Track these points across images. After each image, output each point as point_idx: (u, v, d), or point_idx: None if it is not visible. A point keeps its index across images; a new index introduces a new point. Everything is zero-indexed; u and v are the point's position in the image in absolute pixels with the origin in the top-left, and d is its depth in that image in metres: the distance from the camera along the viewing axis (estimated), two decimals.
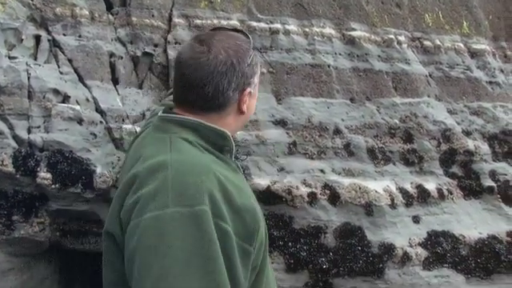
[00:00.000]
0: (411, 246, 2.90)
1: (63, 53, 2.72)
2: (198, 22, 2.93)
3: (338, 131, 2.97)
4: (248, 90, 1.48)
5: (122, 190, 1.37)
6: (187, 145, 1.40)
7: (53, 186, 2.53)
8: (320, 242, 2.81)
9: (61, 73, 2.67)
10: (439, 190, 3.04)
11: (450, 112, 3.26)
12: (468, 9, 3.54)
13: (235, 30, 1.60)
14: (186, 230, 1.25)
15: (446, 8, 3.47)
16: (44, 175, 2.51)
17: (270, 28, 3.02)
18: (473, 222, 3.08)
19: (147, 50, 2.88)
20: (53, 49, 2.73)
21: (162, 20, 2.92)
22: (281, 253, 2.78)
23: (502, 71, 3.53)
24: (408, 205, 2.96)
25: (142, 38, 2.87)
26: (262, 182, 2.75)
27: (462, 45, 3.44)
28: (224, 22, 2.92)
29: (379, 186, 2.92)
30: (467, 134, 3.23)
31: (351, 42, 3.14)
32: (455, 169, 3.15)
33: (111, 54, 2.82)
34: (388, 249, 2.86)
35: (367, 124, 3.03)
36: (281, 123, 2.90)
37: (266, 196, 2.72)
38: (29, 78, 2.57)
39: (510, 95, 3.47)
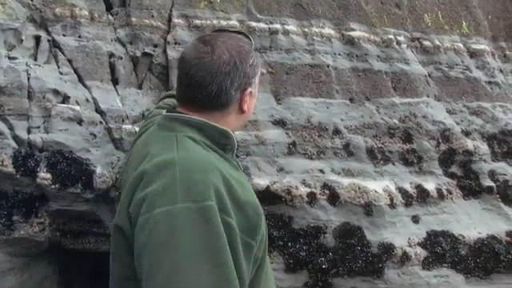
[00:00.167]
0: (410, 246, 2.91)
1: (63, 53, 2.72)
2: (198, 22, 2.93)
3: (337, 131, 2.97)
4: (249, 89, 1.54)
5: (130, 186, 1.42)
6: (193, 143, 1.46)
7: (53, 187, 2.53)
8: (319, 241, 2.81)
9: (61, 73, 2.68)
10: (438, 190, 3.05)
11: (450, 112, 3.26)
12: (467, 9, 3.54)
13: (237, 31, 1.66)
14: (195, 224, 1.30)
15: (445, 8, 3.47)
16: (44, 175, 2.52)
17: (269, 28, 3.03)
18: (472, 221, 3.08)
19: (147, 50, 2.88)
20: (53, 49, 2.73)
21: (162, 20, 2.92)
22: (280, 253, 2.78)
23: (501, 71, 3.53)
24: (407, 205, 2.96)
25: (141, 38, 2.88)
26: (262, 182, 2.76)
27: (461, 45, 3.44)
28: (223, 23, 2.92)
29: (378, 185, 2.93)
30: (466, 133, 3.23)
31: (350, 42, 3.14)
32: (454, 169, 3.15)
33: (111, 55, 2.82)
34: (387, 249, 2.86)
35: (366, 124, 3.04)
36: (280, 123, 2.91)
37: (266, 196, 2.72)
38: (29, 79, 2.57)
39: (509, 95, 3.47)
